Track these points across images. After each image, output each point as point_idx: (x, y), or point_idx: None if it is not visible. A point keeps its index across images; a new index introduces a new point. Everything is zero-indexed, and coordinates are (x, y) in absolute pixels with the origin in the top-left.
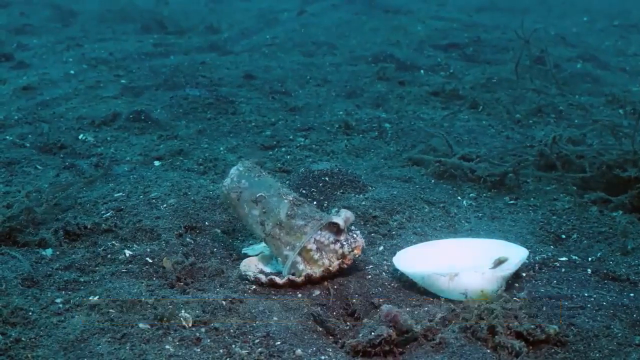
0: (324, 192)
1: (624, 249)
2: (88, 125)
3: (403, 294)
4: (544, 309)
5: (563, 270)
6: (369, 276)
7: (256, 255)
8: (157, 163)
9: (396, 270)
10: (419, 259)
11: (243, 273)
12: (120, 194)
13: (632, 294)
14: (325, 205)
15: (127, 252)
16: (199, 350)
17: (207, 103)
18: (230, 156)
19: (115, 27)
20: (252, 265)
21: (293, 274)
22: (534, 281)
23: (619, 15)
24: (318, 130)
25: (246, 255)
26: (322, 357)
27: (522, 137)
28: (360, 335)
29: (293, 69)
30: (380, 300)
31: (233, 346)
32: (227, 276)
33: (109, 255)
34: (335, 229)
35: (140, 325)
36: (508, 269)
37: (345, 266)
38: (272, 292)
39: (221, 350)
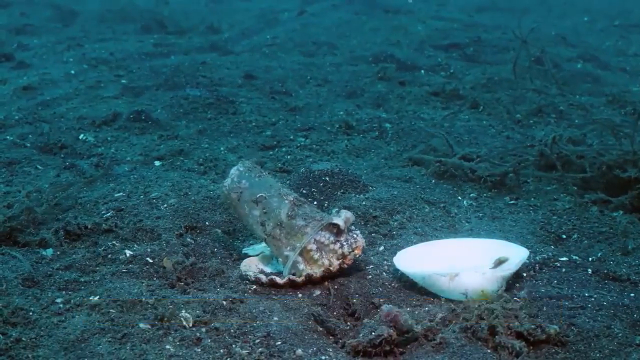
0: (325, 192)
1: (625, 249)
2: (88, 125)
3: (403, 294)
4: (545, 309)
5: (563, 270)
6: (370, 276)
7: (257, 255)
8: (157, 163)
9: (397, 270)
10: (420, 259)
11: (243, 273)
12: (121, 194)
13: (632, 294)
14: (325, 205)
15: (128, 252)
16: (199, 350)
17: (208, 103)
18: (230, 156)
19: (115, 27)
20: (252, 265)
21: (293, 274)
22: (534, 281)
23: (620, 15)
24: (318, 130)
25: (247, 255)
26: (323, 357)
27: (523, 137)
28: (361, 335)
29: (293, 69)
30: (381, 300)
31: (233, 346)
32: (228, 276)
33: (109, 255)
34: (336, 230)
35: (141, 325)
36: (508, 269)
37: (346, 266)
38: (273, 292)
39: (222, 350)
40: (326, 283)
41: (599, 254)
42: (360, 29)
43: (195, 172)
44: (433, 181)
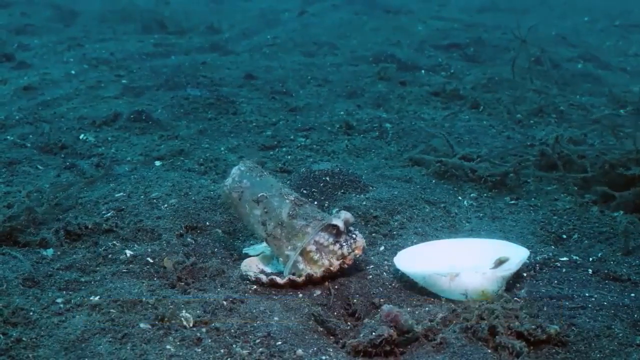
0: (325, 192)
1: (625, 248)
2: (89, 126)
3: (404, 294)
4: (545, 309)
5: (564, 270)
6: (370, 276)
7: (257, 255)
8: (158, 163)
9: (397, 270)
10: (420, 259)
11: (244, 273)
12: (121, 194)
13: (633, 294)
14: (326, 205)
15: (128, 252)
16: (199, 350)
17: (208, 103)
18: (231, 156)
19: (116, 27)
20: (253, 265)
21: (294, 274)
22: (534, 281)
23: (620, 15)
24: (319, 130)
25: (247, 255)
26: (323, 357)
27: (523, 137)
28: (361, 335)
29: (294, 69)
30: (381, 300)
31: (234, 346)
32: (228, 276)
33: (109, 255)
34: (335, 231)
35: (141, 325)
36: (509, 269)
37: (346, 266)
38: (273, 292)
39: (222, 350)
40: (326, 283)
41: (600, 254)
42: (361, 29)
43: (196, 172)
44: (433, 181)
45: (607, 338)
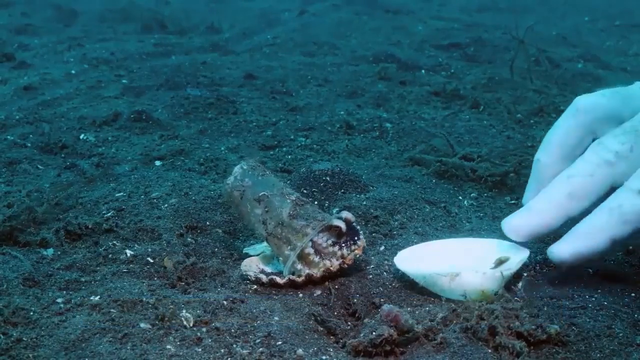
0: (325, 191)
1: (625, 248)
2: (89, 125)
3: (404, 294)
4: (545, 308)
5: (564, 270)
6: (370, 276)
7: (257, 255)
8: (158, 163)
9: (397, 270)
10: (421, 259)
11: (244, 273)
12: (122, 193)
13: (633, 294)
14: (326, 205)
15: (128, 252)
16: (200, 350)
17: (208, 103)
18: (231, 156)
19: (116, 27)
20: (253, 265)
21: (293, 274)
22: (534, 281)
23: (621, 15)
24: (319, 130)
25: (247, 255)
26: (323, 357)
27: (524, 137)
28: (362, 335)
29: (294, 68)
30: (382, 300)
31: (234, 346)
32: (228, 276)
33: (110, 255)
34: (336, 232)
35: (142, 325)
36: (509, 268)
37: (346, 266)
38: (273, 292)
39: (222, 350)
40: (327, 283)
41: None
42: (361, 29)
43: (196, 172)
44: (434, 181)
45: (608, 338)
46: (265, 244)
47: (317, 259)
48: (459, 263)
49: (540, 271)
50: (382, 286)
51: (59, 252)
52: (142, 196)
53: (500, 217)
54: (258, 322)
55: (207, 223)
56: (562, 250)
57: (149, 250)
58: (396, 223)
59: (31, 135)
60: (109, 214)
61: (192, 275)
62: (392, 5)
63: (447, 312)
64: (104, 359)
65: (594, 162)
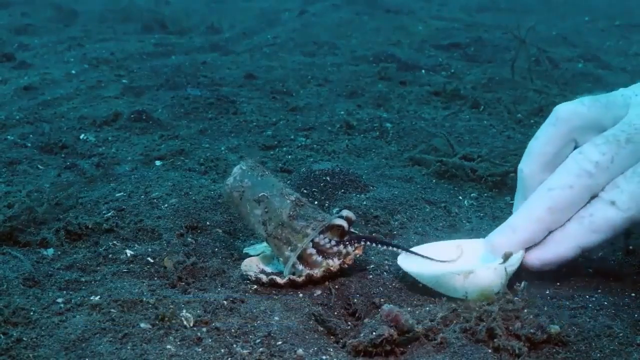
0: (325, 192)
1: (626, 248)
2: (89, 125)
3: (404, 294)
4: (545, 308)
5: (564, 270)
6: (371, 276)
7: (257, 255)
8: (158, 163)
9: (398, 270)
10: (423, 260)
11: (244, 273)
12: (122, 193)
13: (633, 294)
14: (326, 205)
15: (129, 252)
16: (200, 350)
17: (209, 103)
18: (231, 156)
19: (116, 27)
20: (253, 265)
21: (294, 274)
22: (535, 281)
23: (621, 15)
24: (319, 130)
25: (247, 255)
26: (324, 357)
27: (524, 137)
28: (362, 335)
29: (294, 68)
30: (382, 300)
31: (234, 346)
32: (229, 276)
33: (110, 255)
34: (338, 231)
35: (142, 325)
36: (512, 265)
37: (346, 266)
38: (274, 292)
39: (222, 350)
40: (327, 283)
41: (600, 254)
42: (361, 29)
43: (196, 172)
44: (434, 181)
45: (608, 338)
46: (265, 244)
47: (319, 258)
48: (461, 263)
49: (541, 271)
50: (382, 286)
51: (59, 252)
52: (142, 196)
53: (501, 217)
54: (258, 322)
55: (207, 223)
56: (532, 257)
57: (149, 250)
58: (396, 223)
59: (31, 135)
60: (109, 214)
61: (192, 275)
62: (393, 5)
63: (447, 312)
64: (104, 359)
65: (573, 172)
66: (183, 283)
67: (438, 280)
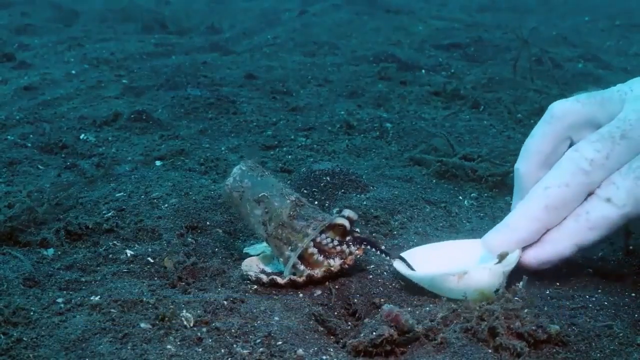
0: (325, 192)
1: (626, 248)
2: (89, 125)
3: (404, 294)
4: (546, 308)
5: (564, 270)
6: (371, 276)
7: (258, 255)
8: (158, 163)
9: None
10: (422, 261)
11: (244, 273)
12: (122, 193)
13: (633, 294)
14: (326, 205)
15: (129, 252)
16: (200, 350)
17: (209, 103)
18: (231, 156)
19: (116, 27)
20: (253, 265)
21: (294, 274)
22: (535, 281)
23: (621, 15)
24: (319, 130)
25: (248, 255)
26: (324, 357)
27: (524, 137)
28: (362, 335)
29: (294, 68)
30: (382, 300)
31: (234, 346)
32: (229, 276)
33: (110, 255)
34: (340, 231)
35: (142, 325)
36: (509, 264)
37: (347, 266)
38: (274, 292)
39: (222, 350)
40: (327, 283)
41: (600, 254)
42: (361, 29)
43: (196, 172)
44: (434, 181)
45: (608, 338)
46: (265, 244)
47: (321, 258)
48: (461, 263)
49: (541, 271)
50: (382, 286)
51: (59, 252)
52: (143, 196)
53: (501, 217)
54: (258, 322)
55: (208, 223)
56: (529, 256)
57: (149, 250)
58: (396, 223)
59: (31, 135)
60: (110, 214)
61: (193, 275)
62: (393, 5)
63: (447, 312)
64: (104, 359)
65: (569, 170)
66: (183, 283)
67: (433, 281)
